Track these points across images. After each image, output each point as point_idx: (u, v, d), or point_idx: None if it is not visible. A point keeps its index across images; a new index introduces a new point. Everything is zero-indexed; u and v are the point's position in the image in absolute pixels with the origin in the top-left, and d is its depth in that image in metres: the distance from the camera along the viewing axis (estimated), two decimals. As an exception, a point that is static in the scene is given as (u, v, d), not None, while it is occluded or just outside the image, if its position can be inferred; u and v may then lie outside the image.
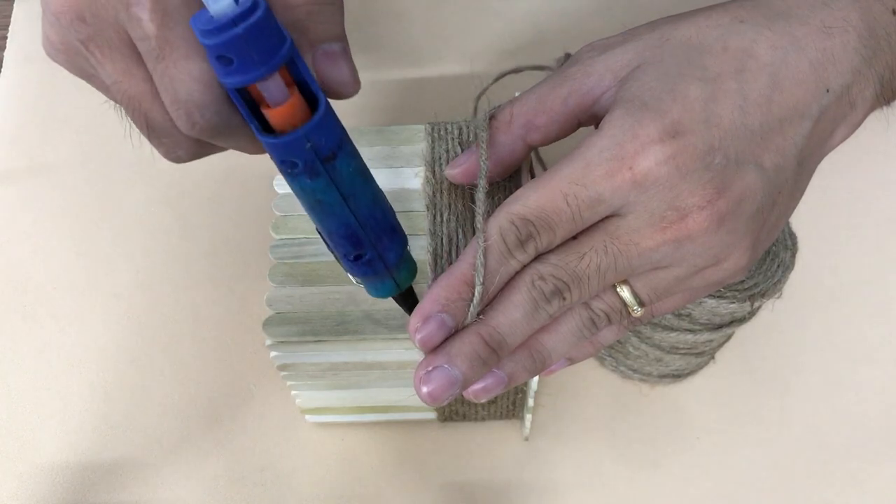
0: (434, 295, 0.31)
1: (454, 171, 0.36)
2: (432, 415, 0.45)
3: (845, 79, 0.33)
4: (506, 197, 0.32)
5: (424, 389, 0.30)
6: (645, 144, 0.29)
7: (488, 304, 0.31)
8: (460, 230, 0.37)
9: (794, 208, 0.34)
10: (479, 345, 0.30)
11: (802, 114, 0.32)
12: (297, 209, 0.38)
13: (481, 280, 0.30)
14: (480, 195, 0.33)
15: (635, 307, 0.32)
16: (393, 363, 0.38)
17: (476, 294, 0.30)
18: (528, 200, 0.30)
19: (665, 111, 0.30)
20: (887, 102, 0.35)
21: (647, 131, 0.30)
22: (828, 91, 0.32)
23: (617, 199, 0.30)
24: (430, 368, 0.30)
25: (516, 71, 0.39)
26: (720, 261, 0.32)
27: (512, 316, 0.31)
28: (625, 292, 0.32)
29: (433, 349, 0.31)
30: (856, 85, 0.33)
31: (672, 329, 0.41)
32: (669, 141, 0.29)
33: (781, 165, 0.32)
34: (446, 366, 0.30)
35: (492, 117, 0.35)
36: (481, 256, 0.30)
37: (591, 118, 0.34)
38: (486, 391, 0.32)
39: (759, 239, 0.32)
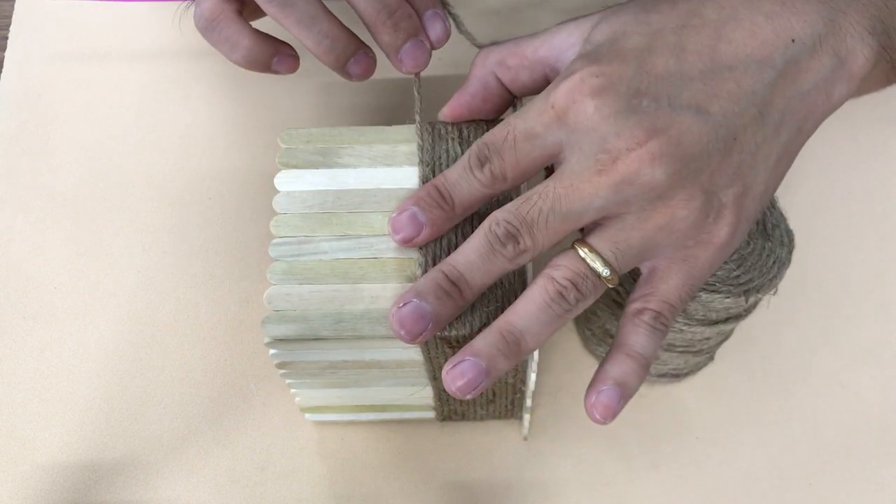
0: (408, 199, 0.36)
1: (445, 112, 0.40)
2: (431, 414, 0.45)
3: (815, 28, 0.33)
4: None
5: (400, 328, 0.33)
6: (570, 86, 0.33)
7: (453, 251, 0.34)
8: (458, 229, 0.37)
9: (771, 160, 0.34)
10: (441, 278, 0.33)
11: (761, 63, 0.33)
12: (297, 207, 0.38)
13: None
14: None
15: (597, 264, 0.33)
16: (391, 362, 0.38)
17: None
18: (491, 131, 0.35)
19: (597, 60, 0.33)
20: (894, 59, 0.35)
21: (574, 74, 0.33)
22: (793, 41, 0.33)
23: (550, 136, 0.33)
24: (401, 305, 0.33)
25: None
26: (668, 203, 0.32)
27: (469, 256, 0.34)
28: (584, 250, 0.33)
29: (403, 238, 0.36)
30: (832, 35, 0.33)
31: None
32: (591, 81, 0.32)
33: (733, 111, 0.32)
34: (415, 300, 0.33)
35: (479, 50, 0.40)
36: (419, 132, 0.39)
37: (556, 73, 0.37)
38: (470, 384, 0.33)
39: (714, 184, 0.33)
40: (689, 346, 0.43)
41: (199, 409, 0.47)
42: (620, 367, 0.34)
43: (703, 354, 0.46)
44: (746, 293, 0.39)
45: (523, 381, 0.41)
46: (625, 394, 0.34)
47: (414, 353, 0.37)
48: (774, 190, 0.36)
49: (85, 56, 0.59)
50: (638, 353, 0.34)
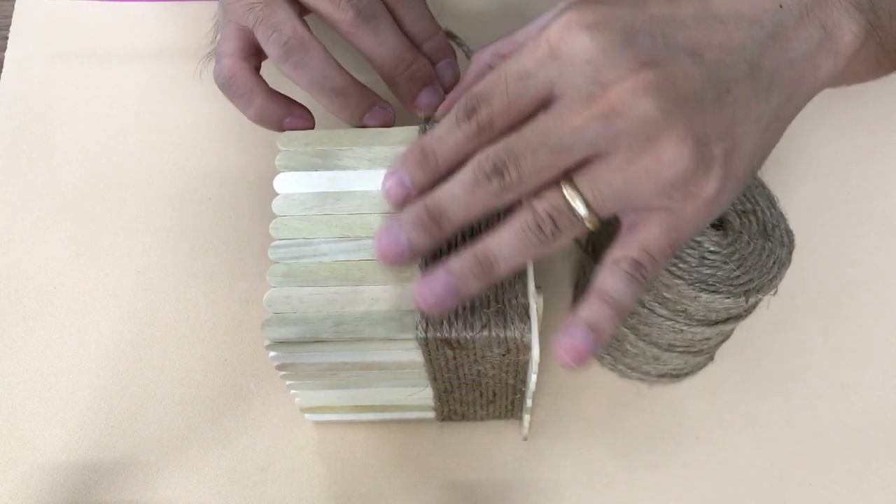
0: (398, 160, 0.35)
1: (442, 110, 0.40)
2: (431, 414, 0.45)
3: None
4: None
5: (378, 247, 0.34)
6: (565, 23, 0.32)
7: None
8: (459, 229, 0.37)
9: (763, 123, 0.34)
10: (421, 211, 0.33)
11: (751, 21, 0.33)
12: (297, 209, 0.38)
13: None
14: None
15: (576, 202, 0.33)
16: (391, 364, 0.38)
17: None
18: (483, 80, 0.34)
19: (590, 1, 0.33)
20: (882, 40, 0.36)
21: (569, 13, 0.32)
22: (781, 7, 0.34)
23: (542, 73, 0.32)
24: (382, 234, 0.34)
25: None
26: (656, 145, 0.32)
27: (452, 189, 0.33)
28: (566, 187, 0.33)
29: (394, 199, 0.35)
30: (818, 7, 0.34)
31: (667, 319, 0.41)
32: (587, 16, 0.32)
33: (725, 62, 0.33)
34: (396, 228, 0.33)
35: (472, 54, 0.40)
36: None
37: None
38: (439, 300, 0.33)
39: (706, 134, 0.32)
40: (689, 347, 0.43)
41: (199, 409, 0.47)
42: (592, 310, 0.33)
43: (703, 355, 0.46)
44: (746, 293, 0.39)
45: (523, 381, 0.41)
46: (597, 338, 0.33)
47: (414, 355, 0.37)
48: (763, 157, 0.35)
49: (85, 56, 0.59)
50: (612, 297, 0.33)
